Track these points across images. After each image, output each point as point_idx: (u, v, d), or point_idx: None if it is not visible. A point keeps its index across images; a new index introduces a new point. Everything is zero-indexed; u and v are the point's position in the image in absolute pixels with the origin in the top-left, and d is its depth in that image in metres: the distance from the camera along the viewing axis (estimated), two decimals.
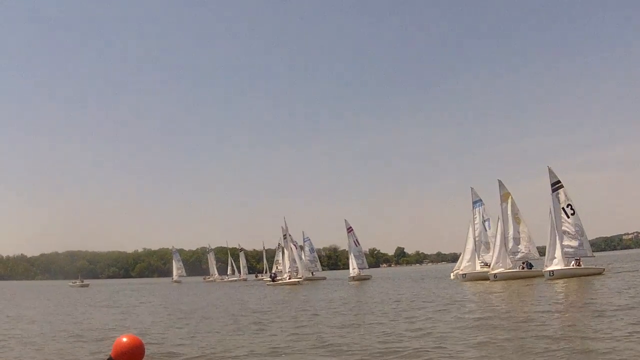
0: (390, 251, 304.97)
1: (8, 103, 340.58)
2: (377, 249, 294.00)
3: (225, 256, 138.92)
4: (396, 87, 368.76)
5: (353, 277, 77.34)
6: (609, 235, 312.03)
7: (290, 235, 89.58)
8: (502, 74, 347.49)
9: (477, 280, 57.05)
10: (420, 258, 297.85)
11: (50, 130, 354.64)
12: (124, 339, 6.13)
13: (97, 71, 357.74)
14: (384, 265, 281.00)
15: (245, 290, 68.43)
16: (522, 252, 57.89)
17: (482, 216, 61.72)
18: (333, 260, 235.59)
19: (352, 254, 79.95)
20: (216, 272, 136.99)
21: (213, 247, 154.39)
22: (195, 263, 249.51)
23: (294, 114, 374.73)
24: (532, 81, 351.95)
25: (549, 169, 55.35)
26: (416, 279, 75.54)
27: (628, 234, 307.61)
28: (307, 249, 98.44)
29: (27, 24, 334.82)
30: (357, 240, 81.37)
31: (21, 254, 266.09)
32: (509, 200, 58.96)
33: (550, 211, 53.70)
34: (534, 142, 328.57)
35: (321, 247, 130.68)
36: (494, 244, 58.49)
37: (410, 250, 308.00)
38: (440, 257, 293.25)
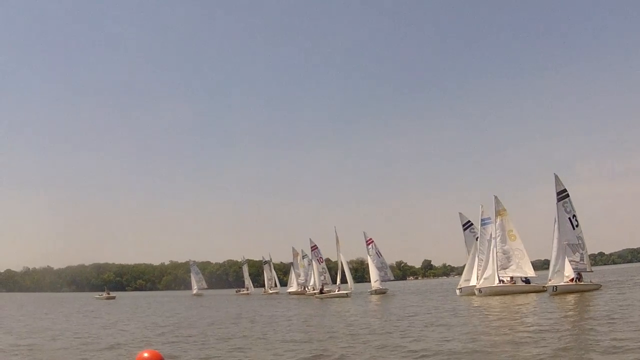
0: (418, 264, 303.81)
1: (35, 114, 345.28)
2: (404, 261, 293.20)
3: (252, 269, 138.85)
4: (423, 90, 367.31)
5: (375, 290, 76.09)
6: (635, 247, 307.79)
7: (318, 249, 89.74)
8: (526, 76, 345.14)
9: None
10: (447, 270, 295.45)
11: (79, 141, 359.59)
12: (145, 354, 6.28)
13: (124, 82, 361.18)
14: (411, 277, 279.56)
15: (308, 303, 65.71)
16: (512, 269, 56.55)
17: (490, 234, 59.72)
18: (360, 272, 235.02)
19: (373, 266, 78.50)
20: (251, 285, 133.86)
21: (239, 260, 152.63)
22: (221, 276, 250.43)
23: (304, 121, 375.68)
24: (549, 86, 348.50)
25: (556, 176, 52.87)
26: (433, 291, 75.30)
27: None
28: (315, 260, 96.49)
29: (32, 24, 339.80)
30: (379, 251, 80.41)
31: (47, 266, 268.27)
32: (504, 217, 58.00)
33: (555, 221, 51.76)
34: (563, 149, 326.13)
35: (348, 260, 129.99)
36: (485, 259, 58.01)
37: (437, 263, 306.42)
38: None
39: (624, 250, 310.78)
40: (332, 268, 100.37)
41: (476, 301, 47.87)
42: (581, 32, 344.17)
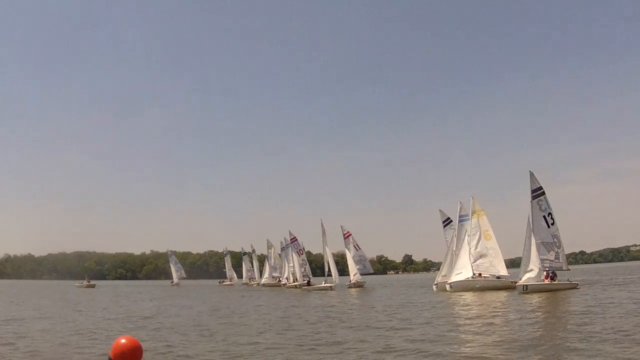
0: (398, 258, 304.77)
1: (12, 103, 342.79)
2: (385, 255, 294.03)
3: (233, 260, 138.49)
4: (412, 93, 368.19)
5: (354, 283, 75.96)
6: (616, 247, 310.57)
7: (297, 241, 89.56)
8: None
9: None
10: (427, 265, 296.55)
11: (59, 131, 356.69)
12: (123, 340, 6.21)
13: (109, 71, 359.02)
14: (391, 272, 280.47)
15: (303, 296, 64.15)
16: (485, 267, 56.62)
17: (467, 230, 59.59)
18: (340, 265, 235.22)
19: (351, 259, 78.35)
20: (234, 275, 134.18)
21: (221, 250, 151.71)
22: (202, 266, 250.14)
23: (290, 119, 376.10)
24: (539, 90, 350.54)
25: (531, 174, 51.68)
26: (410, 286, 75.71)
27: (636, 245, 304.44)
28: (294, 252, 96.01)
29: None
30: (357, 244, 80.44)
31: (28, 254, 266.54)
32: (481, 217, 58.15)
33: (528, 219, 50.49)
34: (543, 153, 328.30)
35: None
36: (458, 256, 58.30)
37: (418, 258, 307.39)
38: None
39: (604, 249, 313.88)
40: (312, 261, 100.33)
41: (444, 297, 47.72)
42: (568, 39, 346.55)
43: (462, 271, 56.94)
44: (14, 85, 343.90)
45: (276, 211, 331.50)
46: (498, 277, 56.64)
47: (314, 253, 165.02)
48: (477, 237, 57.27)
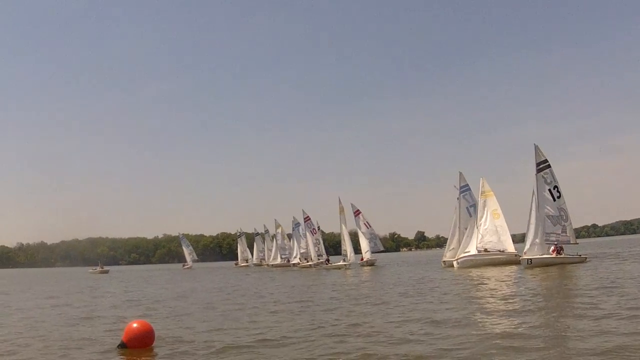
0: (411, 235, 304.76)
1: (21, 91, 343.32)
2: (398, 233, 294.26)
3: (248, 241, 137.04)
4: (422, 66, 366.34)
5: (366, 261, 75.42)
6: (629, 219, 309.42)
7: (310, 220, 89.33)
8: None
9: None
10: (440, 242, 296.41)
11: (69, 116, 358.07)
12: (135, 324, 6.04)
13: (120, 61, 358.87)
14: (404, 249, 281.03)
15: (319, 275, 61.44)
16: (492, 243, 55.87)
17: (468, 201, 59.58)
18: (353, 244, 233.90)
19: (363, 237, 77.75)
20: (250, 256, 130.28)
21: (233, 232, 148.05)
22: (215, 249, 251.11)
23: (300, 101, 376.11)
24: (559, 65, 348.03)
25: (536, 147, 50.35)
26: (419, 263, 75.70)
27: None
28: (300, 234, 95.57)
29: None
30: (367, 222, 79.96)
31: (41, 241, 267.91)
32: (489, 197, 57.39)
33: (533, 193, 49.37)
34: (558, 127, 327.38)
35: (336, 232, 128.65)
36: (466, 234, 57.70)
37: (430, 234, 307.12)
38: None
39: (616, 222, 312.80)
40: (324, 240, 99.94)
41: (450, 273, 47.19)
42: (574, 17, 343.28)
43: (470, 249, 56.42)
44: (21, 72, 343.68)
45: (287, 191, 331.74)
46: (502, 251, 55.86)
47: (326, 232, 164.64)
48: (485, 216, 56.60)
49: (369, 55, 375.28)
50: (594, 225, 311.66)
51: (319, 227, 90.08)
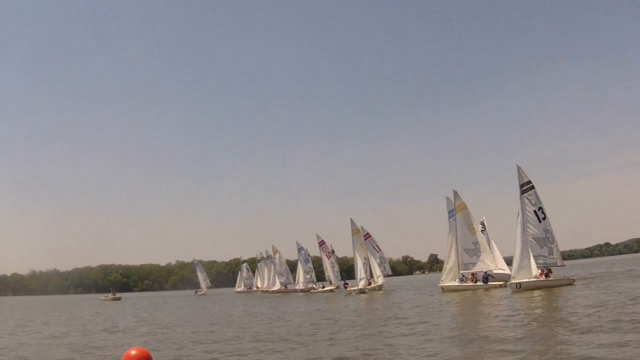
0: (424, 258, 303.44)
1: (43, 117, 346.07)
2: (411, 256, 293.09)
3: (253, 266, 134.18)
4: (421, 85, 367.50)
5: (378, 285, 73.52)
6: None
7: (325, 244, 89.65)
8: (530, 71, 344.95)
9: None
10: None
11: (82, 144, 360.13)
12: (133, 352, 6.55)
13: (125, 84, 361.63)
14: (418, 272, 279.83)
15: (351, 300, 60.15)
16: (474, 264, 55.84)
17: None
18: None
19: (374, 261, 76.15)
20: (252, 282, 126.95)
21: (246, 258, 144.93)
22: (228, 274, 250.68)
23: (316, 119, 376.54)
24: (557, 85, 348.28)
25: (518, 168, 50.03)
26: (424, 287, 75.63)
27: None
28: (302, 259, 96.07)
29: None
30: (377, 246, 79.61)
31: (54, 269, 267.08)
32: (464, 212, 57.27)
33: (519, 215, 48.70)
34: (564, 145, 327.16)
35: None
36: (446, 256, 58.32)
37: (443, 256, 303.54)
38: None
39: (630, 240, 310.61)
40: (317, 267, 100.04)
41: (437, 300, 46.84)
42: (567, 31, 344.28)
43: (453, 271, 56.81)
44: (23, 92, 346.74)
45: (298, 215, 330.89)
46: (486, 275, 55.49)
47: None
48: (462, 233, 56.69)
49: (372, 76, 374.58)
50: (607, 244, 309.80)
51: (333, 250, 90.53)
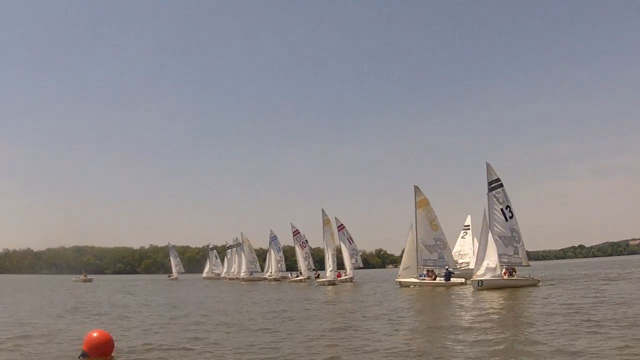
0: (397, 252, 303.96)
1: (10, 98, 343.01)
2: (384, 249, 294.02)
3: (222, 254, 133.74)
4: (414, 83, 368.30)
5: (349, 277, 73.27)
6: (616, 240, 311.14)
7: (300, 233, 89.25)
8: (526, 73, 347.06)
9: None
10: None
11: (58, 126, 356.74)
12: (95, 334, 6.37)
13: (108, 70, 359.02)
14: (390, 265, 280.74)
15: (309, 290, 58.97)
16: (433, 260, 55.42)
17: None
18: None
19: (347, 253, 75.71)
20: (219, 269, 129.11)
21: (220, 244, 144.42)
22: (200, 260, 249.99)
23: (301, 114, 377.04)
24: (539, 86, 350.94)
25: (487, 165, 48.76)
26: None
27: (635, 239, 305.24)
28: (274, 248, 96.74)
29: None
30: (350, 237, 78.92)
31: (27, 248, 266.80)
32: (426, 207, 56.53)
33: (485, 212, 47.44)
34: (543, 148, 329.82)
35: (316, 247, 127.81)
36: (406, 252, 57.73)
37: None
38: None
39: (604, 243, 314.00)
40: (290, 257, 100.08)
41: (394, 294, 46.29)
42: (570, 34, 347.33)
43: (410, 267, 56.30)
44: (12, 81, 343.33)
45: (273, 204, 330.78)
46: (447, 272, 54.31)
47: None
48: (424, 229, 56.09)
49: (362, 74, 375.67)
50: (581, 246, 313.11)
51: (306, 240, 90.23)
